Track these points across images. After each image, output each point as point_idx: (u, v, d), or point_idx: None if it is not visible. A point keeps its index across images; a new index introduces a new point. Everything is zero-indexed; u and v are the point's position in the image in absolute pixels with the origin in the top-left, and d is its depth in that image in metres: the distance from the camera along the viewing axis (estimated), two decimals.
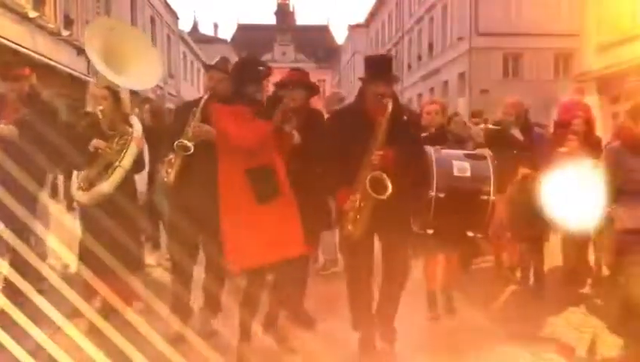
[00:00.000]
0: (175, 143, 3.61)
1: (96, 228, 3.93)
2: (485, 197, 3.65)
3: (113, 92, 4.09)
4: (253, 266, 3.30)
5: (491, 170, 3.76)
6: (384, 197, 3.13)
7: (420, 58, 31.95)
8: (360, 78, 3.49)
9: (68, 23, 15.20)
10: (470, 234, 3.99)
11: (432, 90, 29.91)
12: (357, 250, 3.38)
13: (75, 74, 14.98)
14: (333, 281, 5.09)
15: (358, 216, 3.23)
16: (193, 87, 31.59)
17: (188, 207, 3.65)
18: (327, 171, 3.51)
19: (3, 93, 4.37)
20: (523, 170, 4.83)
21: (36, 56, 12.60)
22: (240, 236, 3.21)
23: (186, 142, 3.60)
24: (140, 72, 4.25)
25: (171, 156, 3.68)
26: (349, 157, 3.28)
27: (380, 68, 3.44)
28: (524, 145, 4.99)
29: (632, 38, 13.65)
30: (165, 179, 3.74)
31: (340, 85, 57.71)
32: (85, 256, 4.05)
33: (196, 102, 3.83)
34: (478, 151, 4.00)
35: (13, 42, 11.62)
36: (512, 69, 24.39)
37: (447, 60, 26.98)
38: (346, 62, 53.78)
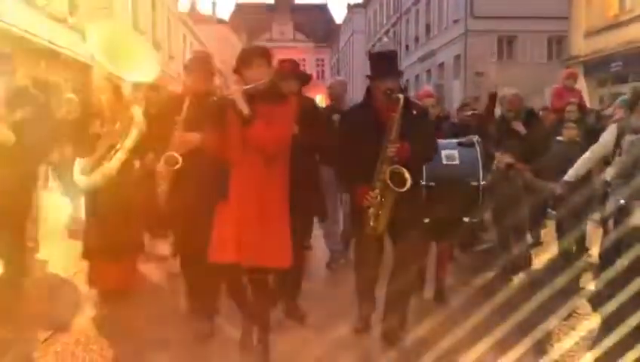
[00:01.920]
0: (163, 157, 3.55)
1: (100, 213, 4.07)
2: (475, 182, 3.69)
3: (114, 83, 4.12)
4: (217, 262, 3.23)
5: (479, 155, 3.78)
6: (404, 189, 3.12)
7: (417, 40, 32.21)
8: (367, 76, 3.49)
9: (73, 8, 15.61)
10: (466, 219, 4.02)
11: (428, 71, 30.26)
12: (368, 247, 3.39)
13: (81, 59, 15.45)
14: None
15: (380, 212, 3.22)
16: None
17: (184, 206, 3.59)
18: (341, 170, 3.54)
19: None
20: (507, 159, 4.85)
21: (44, 42, 13.10)
22: (217, 229, 3.11)
23: (174, 154, 3.53)
24: (139, 64, 4.25)
25: (160, 167, 3.59)
26: (363, 155, 3.27)
27: (386, 64, 3.42)
28: (527, 136, 5.02)
29: (618, 24, 14.16)
30: (159, 190, 3.65)
31: (338, 65, 57.84)
32: (90, 240, 4.19)
33: (177, 101, 3.69)
34: (467, 138, 4.01)
35: (22, 29, 12.09)
36: (507, 51, 24.74)
37: (444, 42, 27.29)
38: (344, 42, 53.84)
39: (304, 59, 60.77)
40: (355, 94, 6.62)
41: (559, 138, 5.60)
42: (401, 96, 3.23)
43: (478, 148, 3.86)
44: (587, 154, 4.73)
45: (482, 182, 3.71)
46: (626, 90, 14.53)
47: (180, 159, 3.50)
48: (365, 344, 3.56)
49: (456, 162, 3.75)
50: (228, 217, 3.02)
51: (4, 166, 4.02)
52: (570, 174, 4.73)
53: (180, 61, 28.72)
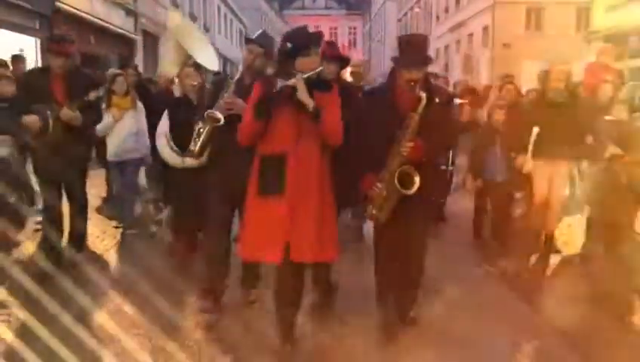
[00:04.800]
0: (205, 113, 3.50)
1: (192, 188, 4.34)
2: (444, 167, 4.06)
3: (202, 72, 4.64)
4: (251, 259, 3.17)
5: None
6: (410, 192, 3.08)
7: (447, 10, 32.36)
8: (392, 58, 3.30)
9: None
10: (433, 198, 4.17)
11: (458, 42, 30.50)
12: (386, 231, 3.38)
13: (125, 33, 16.70)
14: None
15: (383, 204, 3.22)
16: (227, 40, 33.06)
17: (219, 182, 3.57)
18: (352, 154, 3.34)
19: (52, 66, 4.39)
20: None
21: (94, 19, 14.33)
22: (247, 224, 3.04)
23: (217, 113, 3.46)
24: (207, 54, 4.68)
25: (200, 125, 3.58)
26: (377, 143, 3.20)
27: (414, 51, 3.19)
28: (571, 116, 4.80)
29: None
30: (191, 148, 3.65)
31: (370, 33, 57.83)
32: (179, 216, 4.69)
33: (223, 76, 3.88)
34: None
35: (74, 8, 13.29)
36: (535, 22, 24.79)
37: (473, 13, 27.46)
38: (376, 10, 53.78)
39: (336, 28, 60.96)
40: (387, 63, 6.82)
41: (608, 118, 5.21)
42: (423, 95, 3.07)
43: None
44: None
45: (450, 168, 4.11)
46: None
47: (222, 118, 3.45)
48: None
49: None
50: (274, 212, 2.88)
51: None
52: None
53: (215, 33, 29.82)
